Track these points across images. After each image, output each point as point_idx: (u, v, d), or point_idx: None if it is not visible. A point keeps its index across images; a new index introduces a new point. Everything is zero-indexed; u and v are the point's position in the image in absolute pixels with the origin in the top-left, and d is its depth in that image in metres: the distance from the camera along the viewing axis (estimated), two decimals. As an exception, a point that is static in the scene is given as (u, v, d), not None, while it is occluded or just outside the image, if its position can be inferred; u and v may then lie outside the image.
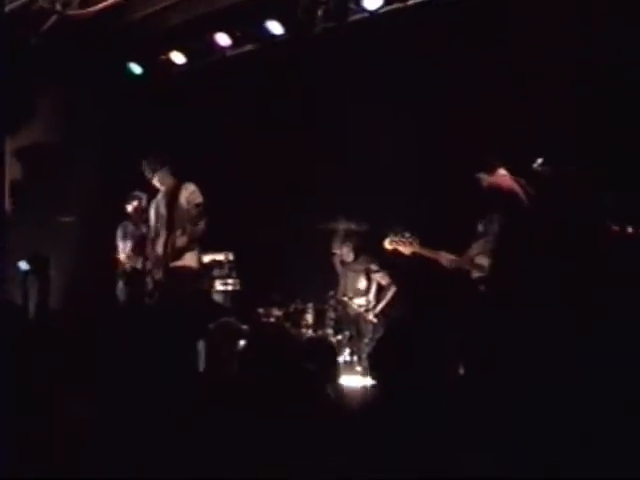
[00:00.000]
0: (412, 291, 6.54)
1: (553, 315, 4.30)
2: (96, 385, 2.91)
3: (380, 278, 6.77)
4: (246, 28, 7.38)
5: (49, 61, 7.52)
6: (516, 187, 4.66)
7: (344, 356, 6.40)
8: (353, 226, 6.78)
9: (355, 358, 6.44)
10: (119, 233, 6.82)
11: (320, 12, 6.82)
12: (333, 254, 6.92)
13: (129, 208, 6.80)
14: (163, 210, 5.77)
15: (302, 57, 7.17)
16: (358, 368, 6.34)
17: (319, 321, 6.72)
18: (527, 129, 5.24)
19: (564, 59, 5.43)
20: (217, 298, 7.06)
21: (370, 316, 6.68)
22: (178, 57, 7.92)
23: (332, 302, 6.73)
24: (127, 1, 6.88)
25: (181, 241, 5.55)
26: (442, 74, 6.29)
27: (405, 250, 5.48)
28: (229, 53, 7.63)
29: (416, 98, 6.41)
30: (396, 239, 5.51)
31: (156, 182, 5.87)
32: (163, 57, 7.98)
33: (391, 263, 6.29)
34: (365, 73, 6.67)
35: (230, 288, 7.03)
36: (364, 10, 6.71)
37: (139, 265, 6.20)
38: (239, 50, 7.57)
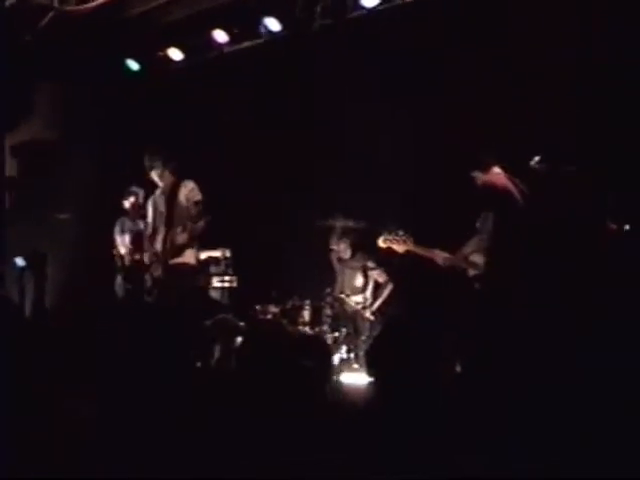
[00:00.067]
0: (408, 289, 6.55)
1: (549, 313, 4.33)
2: (96, 384, 2.92)
3: (377, 275, 6.77)
4: (244, 25, 7.37)
5: (46, 57, 7.52)
6: (510, 185, 4.69)
7: (341, 353, 6.41)
8: (351, 223, 6.77)
9: (352, 355, 6.45)
10: (116, 229, 6.84)
11: (318, 9, 6.84)
12: (330, 251, 6.93)
13: (126, 204, 6.81)
14: (162, 207, 5.77)
15: (300, 54, 7.16)
16: (355, 365, 6.35)
17: (316, 318, 6.71)
18: (526, 129, 5.24)
19: (564, 59, 5.42)
20: (214, 295, 7.05)
21: (367, 313, 6.68)
22: (176, 53, 7.91)
23: (329, 299, 6.72)
24: (124, -3, 6.90)
25: (181, 238, 5.55)
26: (440, 71, 6.28)
27: (399, 248, 5.47)
28: (227, 50, 7.60)
29: (414, 95, 6.41)
30: (390, 237, 5.50)
31: (155, 177, 5.86)
32: (161, 53, 7.97)
33: (387, 261, 6.29)
34: (363, 70, 6.66)
35: (227, 285, 7.02)
36: (362, 7, 6.70)
37: (137, 257, 6.21)
38: (237, 47, 7.55)
